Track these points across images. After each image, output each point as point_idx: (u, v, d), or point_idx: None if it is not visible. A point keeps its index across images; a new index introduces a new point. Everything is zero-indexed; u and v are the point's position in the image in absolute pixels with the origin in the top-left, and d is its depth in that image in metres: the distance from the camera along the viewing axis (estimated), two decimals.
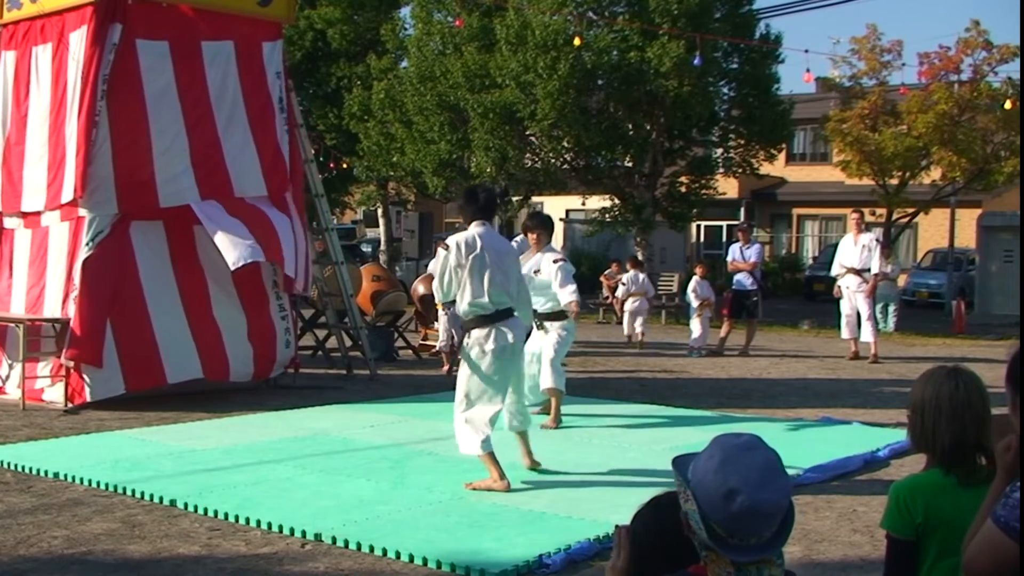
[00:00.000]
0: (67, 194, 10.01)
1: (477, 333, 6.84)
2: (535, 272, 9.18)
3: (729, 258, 15.97)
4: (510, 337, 6.85)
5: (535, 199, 27.76)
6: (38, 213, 10.46)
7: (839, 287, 14.90)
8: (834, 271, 15.14)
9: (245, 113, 10.85)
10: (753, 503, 1.98)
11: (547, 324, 9.23)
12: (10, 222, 10.81)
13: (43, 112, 10.49)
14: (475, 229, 6.96)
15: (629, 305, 16.77)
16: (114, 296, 9.88)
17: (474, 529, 5.97)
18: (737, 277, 15.64)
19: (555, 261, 9.17)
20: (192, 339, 10.26)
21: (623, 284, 17.05)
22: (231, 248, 10.00)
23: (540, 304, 9.08)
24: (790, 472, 2.18)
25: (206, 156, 10.49)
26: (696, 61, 18.74)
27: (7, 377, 10.53)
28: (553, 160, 23.40)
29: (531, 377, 9.02)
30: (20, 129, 10.74)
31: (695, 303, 15.44)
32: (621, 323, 17.26)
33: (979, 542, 2.23)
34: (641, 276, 17.12)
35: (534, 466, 7.42)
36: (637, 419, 9.72)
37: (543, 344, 9.24)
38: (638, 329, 16.54)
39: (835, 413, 10.07)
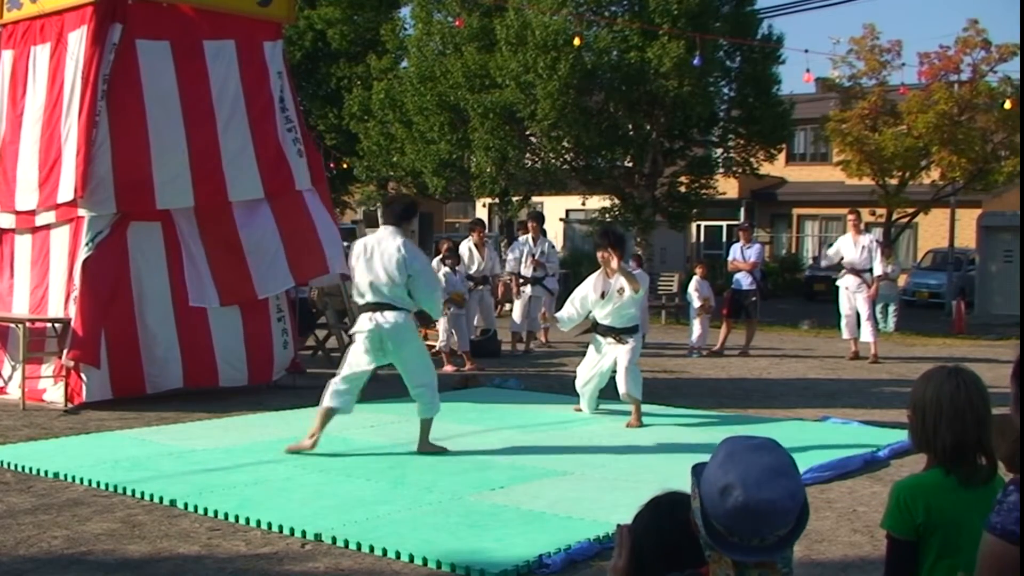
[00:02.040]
0: (65, 194, 10.01)
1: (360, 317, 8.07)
2: (619, 291, 9.23)
3: (730, 258, 15.97)
4: (370, 324, 7.84)
5: (535, 199, 27.75)
6: (33, 213, 10.46)
7: (827, 256, 14.90)
8: (831, 257, 15.04)
9: (246, 113, 10.84)
10: (748, 500, 1.96)
11: (624, 337, 9.37)
12: (7, 221, 10.80)
13: (39, 111, 10.49)
14: (377, 233, 8.04)
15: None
16: (111, 297, 9.89)
17: (474, 529, 5.97)
18: (736, 277, 15.64)
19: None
20: (178, 346, 10.24)
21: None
22: (191, 285, 10.31)
23: (622, 321, 9.36)
24: None
25: (204, 158, 10.48)
26: (696, 61, 18.74)
27: (10, 377, 10.53)
28: (553, 160, 23.39)
29: (601, 378, 9.66)
30: (15, 128, 10.73)
31: (696, 303, 15.42)
32: None
33: (980, 561, 2.19)
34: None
35: (422, 450, 8.06)
36: None
37: (619, 354, 9.35)
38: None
39: (835, 413, 10.07)
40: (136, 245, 10.16)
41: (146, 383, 10.06)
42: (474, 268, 14.33)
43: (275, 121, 11.09)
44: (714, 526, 2.00)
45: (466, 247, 14.44)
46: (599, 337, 9.54)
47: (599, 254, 9.46)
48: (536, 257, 15.08)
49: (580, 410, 9.93)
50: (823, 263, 15.41)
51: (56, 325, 9.95)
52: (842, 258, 14.91)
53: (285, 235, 10.91)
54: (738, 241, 16.17)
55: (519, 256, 15.20)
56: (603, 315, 9.39)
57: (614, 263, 9.26)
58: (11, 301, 10.70)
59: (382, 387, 11.02)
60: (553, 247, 16.31)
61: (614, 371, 9.40)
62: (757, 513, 1.96)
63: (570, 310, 9.53)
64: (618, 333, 9.37)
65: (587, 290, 9.44)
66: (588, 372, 9.71)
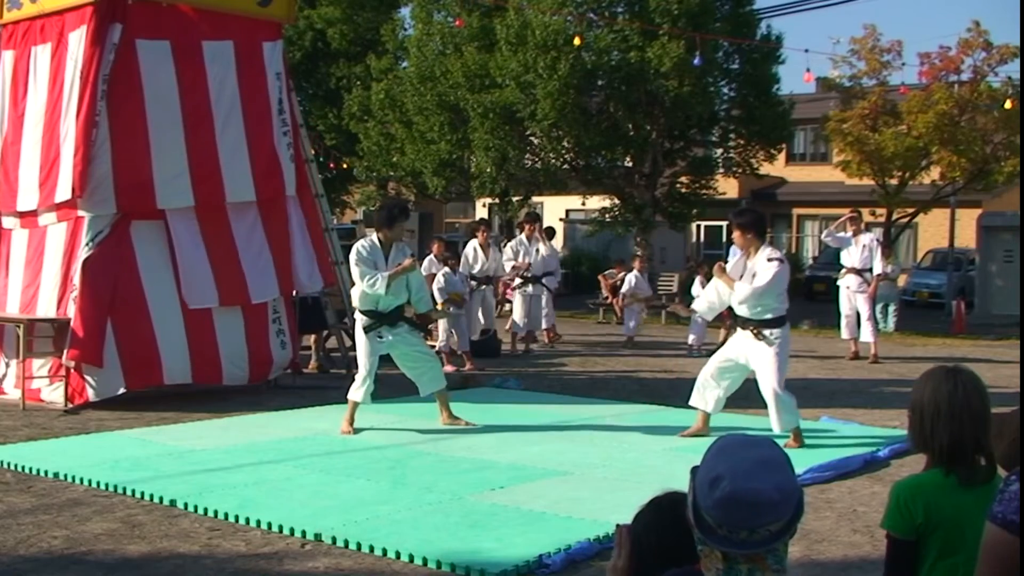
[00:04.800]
0: (63, 193, 10.01)
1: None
2: (752, 276, 8.25)
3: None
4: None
5: (535, 199, 27.74)
6: (34, 213, 10.47)
7: (833, 235, 14.81)
8: (836, 237, 14.89)
9: (242, 115, 10.85)
10: (734, 489, 1.96)
11: (762, 331, 8.29)
12: (7, 222, 10.82)
13: (39, 111, 10.49)
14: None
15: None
16: (114, 295, 9.90)
17: (474, 529, 5.97)
18: None
19: (769, 260, 8.26)
20: (186, 342, 10.26)
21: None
22: (189, 286, 10.27)
23: (756, 312, 8.30)
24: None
25: (203, 158, 10.50)
26: (696, 61, 18.74)
27: (3, 376, 10.54)
28: (553, 160, 23.39)
29: (734, 381, 8.73)
30: (17, 128, 10.74)
31: None
32: (622, 322, 17.21)
33: (982, 551, 2.18)
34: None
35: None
36: (637, 419, 9.71)
37: (762, 369, 8.36)
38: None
39: (835, 413, 10.07)
40: (140, 243, 10.17)
41: (164, 374, 10.06)
42: (478, 268, 14.33)
43: (272, 124, 11.09)
44: (704, 518, 2.01)
45: (471, 247, 14.44)
46: (738, 329, 8.54)
47: (736, 235, 8.54)
48: (528, 259, 14.99)
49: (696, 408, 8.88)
50: (826, 239, 15.39)
51: (53, 325, 9.94)
52: (839, 248, 14.97)
53: (272, 242, 10.96)
54: None
55: (511, 256, 15.12)
56: (738, 302, 8.34)
57: (742, 243, 8.40)
58: (4, 300, 10.70)
59: (382, 388, 11.02)
60: (553, 248, 16.29)
61: (751, 376, 8.49)
62: (743, 504, 1.96)
63: (711, 297, 8.69)
64: (755, 326, 8.29)
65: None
66: (717, 369, 8.67)
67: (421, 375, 9.04)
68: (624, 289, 17.10)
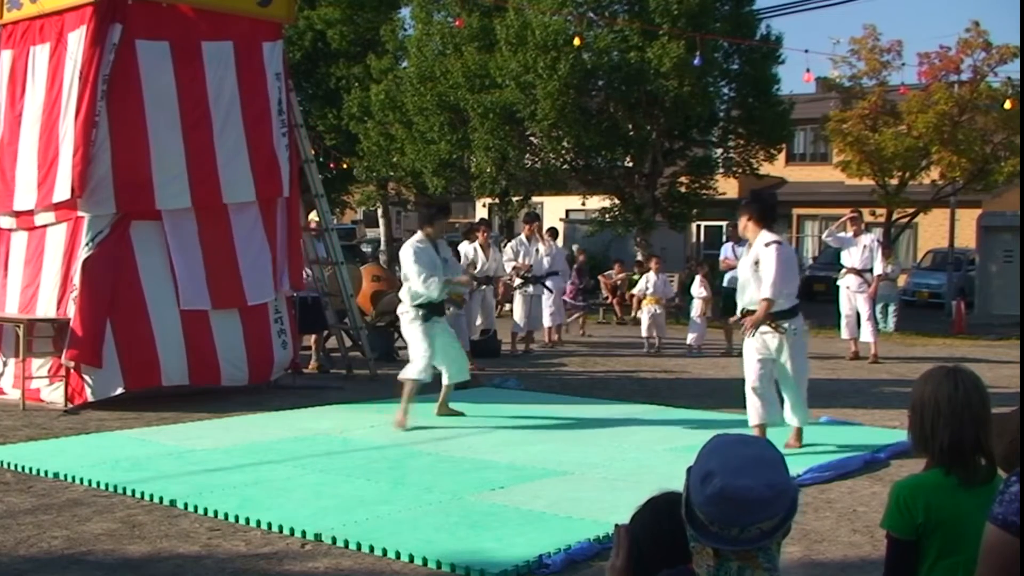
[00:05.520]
0: (61, 193, 10.00)
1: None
2: (755, 263, 7.86)
3: (722, 256, 15.92)
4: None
5: (535, 199, 27.74)
6: (31, 213, 10.46)
7: (834, 235, 14.74)
8: (837, 236, 14.81)
9: (241, 116, 10.83)
10: (725, 486, 1.96)
11: (780, 323, 7.88)
12: (6, 222, 10.81)
13: (37, 111, 10.49)
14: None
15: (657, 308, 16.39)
16: (114, 295, 9.89)
17: (474, 529, 5.97)
18: (730, 275, 15.59)
19: (767, 244, 7.83)
20: (183, 343, 10.26)
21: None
22: (184, 288, 10.26)
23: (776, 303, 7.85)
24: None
25: (201, 160, 10.49)
26: (696, 61, 18.74)
27: (1, 374, 10.53)
28: (553, 160, 23.40)
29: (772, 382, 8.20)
30: (14, 128, 10.73)
31: (697, 303, 15.48)
32: (622, 322, 17.14)
33: (982, 552, 2.18)
34: None
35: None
36: (637, 419, 9.72)
37: (785, 365, 8.01)
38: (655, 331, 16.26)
39: (835, 413, 10.06)
40: (140, 243, 10.16)
41: (162, 375, 10.05)
42: (478, 268, 14.32)
43: (271, 124, 11.09)
44: (696, 515, 2.01)
45: (471, 247, 14.42)
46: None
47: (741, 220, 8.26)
48: (527, 260, 14.95)
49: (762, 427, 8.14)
50: (827, 239, 15.37)
51: (53, 325, 9.93)
52: (839, 248, 14.98)
53: (272, 242, 10.96)
54: (729, 240, 16.15)
55: (511, 256, 15.09)
56: (746, 296, 7.96)
57: (742, 228, 8.14)
58: (3, 300, 10.69)
59: (382, 388, 11.03)
60: (558, 247, 16.25)
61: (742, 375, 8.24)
62: (734, 500, 1.96)
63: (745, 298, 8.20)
64: (772, 318, 7.84)
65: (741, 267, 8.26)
66: (759, 380, 8.13)
67: (451, 363, 9.38)
68: (637, 290, 16.93)
